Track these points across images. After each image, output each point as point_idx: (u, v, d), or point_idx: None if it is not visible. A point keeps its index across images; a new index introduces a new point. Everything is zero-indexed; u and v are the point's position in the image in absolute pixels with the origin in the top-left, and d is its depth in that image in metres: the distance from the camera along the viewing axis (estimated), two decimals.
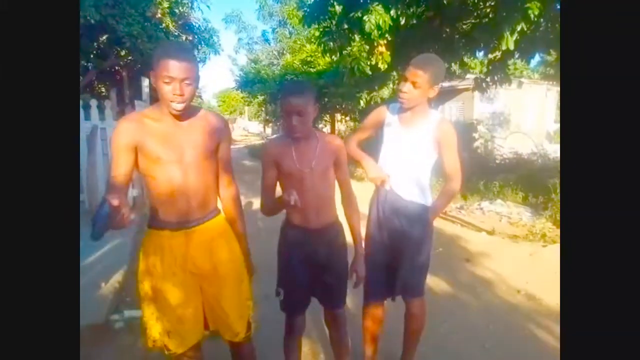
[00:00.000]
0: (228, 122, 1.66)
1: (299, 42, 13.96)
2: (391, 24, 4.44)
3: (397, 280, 1.92)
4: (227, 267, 1.54)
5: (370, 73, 6.01)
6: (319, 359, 2.32)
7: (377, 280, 1.95)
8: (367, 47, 5.59)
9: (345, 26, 5.37)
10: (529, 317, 2.82)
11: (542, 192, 5.85)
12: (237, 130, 33.21)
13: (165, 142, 1.37)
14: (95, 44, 9.18)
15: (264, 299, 2.77)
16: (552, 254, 3.93)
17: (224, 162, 1.56)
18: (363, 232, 1.91)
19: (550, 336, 2.57)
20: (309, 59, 11.55)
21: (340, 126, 16.19)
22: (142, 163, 1.39)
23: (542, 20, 4.73)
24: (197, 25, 11.11)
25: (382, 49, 5.38)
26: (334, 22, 5.55)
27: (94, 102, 5.11)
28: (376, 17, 4.36)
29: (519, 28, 4.43)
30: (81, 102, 5.02)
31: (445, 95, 12.42)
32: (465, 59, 6.72)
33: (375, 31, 4.45)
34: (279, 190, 1.77)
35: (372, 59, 5.54)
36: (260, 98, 16.78)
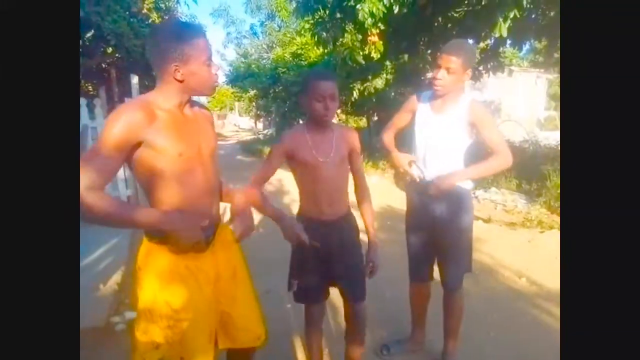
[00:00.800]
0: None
1: (288, 35, 13.84)
2: (384, 12, 4.40)
3: (439, 266, 2.01)
4: (243, 267, 1.48)
5: (363, 63, 5.98)
6: (324, 353, 2.30)
7: (418, 262, 2.07)
8: (360, 36, 5.55)
9: (339, 15, 5.32)
10: (532, 302, 2.84)
11: (536, 178, 5.90)
12: (228, 126, 32.98)
13: (183, 136, 1.19)
14: (80, 41, 8.99)
15: (264, 294, 2.76)
16: (550, 239, 3.96)
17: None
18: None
19: (555, 320, 2.58)
20: (299, 51, 11.45)
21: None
22: (152, 162, 1.15)
23: (533, 7, 4.73)
24: (184, 20, 10.94)
25: (375, 38, 5.34)
26: (327, 12, 5.50)
27: (83, 101, 5.00)
28: (369, 5, 4.32)
29: (511, 15, 4.42)
30: None
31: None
32: None
33: (369, 19, 4.41)
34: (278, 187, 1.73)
35: (365, 48, 5.51)
36: (251, 93, 16.63)
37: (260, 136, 18.59)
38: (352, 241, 1.78)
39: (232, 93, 24.63)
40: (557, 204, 4.85)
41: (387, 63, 7.62)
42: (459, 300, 2.02)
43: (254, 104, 21.60)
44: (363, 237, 1.83)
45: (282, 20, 16.55)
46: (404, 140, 2.07)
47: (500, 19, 4.44)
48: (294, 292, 1.80)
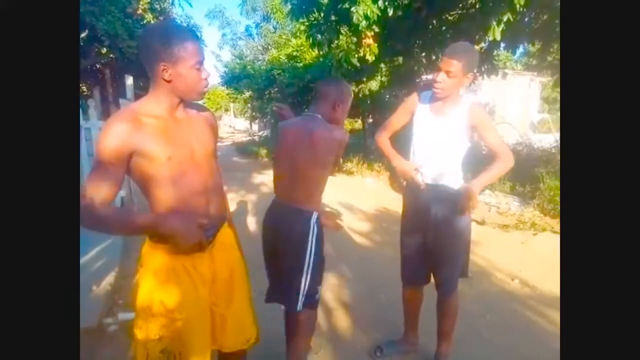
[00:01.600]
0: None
1: (284, 37, 13.84)
2: (379, 14, 4.42)
3: (432, 269, 2.00)
4: (241, 270, 1.48)
5: (358, 65, 5.99)
6: (319, 352, 2.30)
7: (413, 267, 2.06)
8: (355, 39, 5.56)
9: (333, 18, 5.33)
10: (525, 304, 2.86)
11: (529, 181, 5.94)
12: (223, 127, 32.89)
13: (172, 139, 1.19)
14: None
15: (259, 295, 2.76)
16: (544, 241, 3.99)
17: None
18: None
19: (548, 322, 2.60)
20: (294, 53, 11.45)
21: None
22: (144, 169, 1.17)
23: (526, 10, 4.77)
24: (179, 21, 10.92)
25: (370, 40, 5.36)
26: (321, 15, 5.51)
27: None
28: (364, 8, 4.33)
29: (505, 18, 4.45)
30: None
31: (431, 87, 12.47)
32: None
33: (363, 22, 4.42)
34: None
35: (360, 51, 5.52)
36: (247, 94, 16.61)
37: (256, 138, 18.55)
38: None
39: (227, 94, 24.58)
40: (550, 206, 4.88)
41: (382, 65, 7.64)
42: (454, 303, 2.02)
43: (249, 105, 21.57)
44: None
45: (278, 22, 16.54)
46: (401, 141, 2.06)
47: (494, 22, 4.47)
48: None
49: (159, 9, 9.53)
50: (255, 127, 24.72)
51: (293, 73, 10.72)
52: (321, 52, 7.62)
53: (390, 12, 4.59)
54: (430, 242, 1.94)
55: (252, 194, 6.76)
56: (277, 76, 11.11)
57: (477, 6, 4.98)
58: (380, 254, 3.83)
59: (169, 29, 1.20)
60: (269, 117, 15.35)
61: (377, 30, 5.08)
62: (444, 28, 6.03)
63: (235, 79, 13.91)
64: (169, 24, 1.48)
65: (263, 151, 12.85)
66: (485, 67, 6.70)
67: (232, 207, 5.81)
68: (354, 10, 4.42)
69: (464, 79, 1.75)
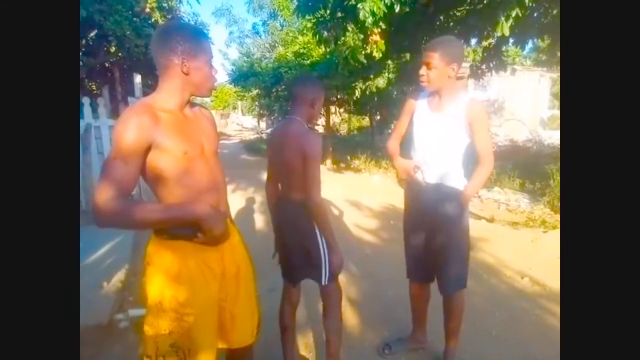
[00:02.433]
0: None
1: (291, 34, 13.80)
2: (385, 11, 4.39)
3: (434, 268, 2.00)
4: (247, 267, 1.50)
5: (365, 62, 5.97)
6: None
7: (417, 264, 2.07)
8: (362, 36, 5.53)
9: (339, 15, 5.31)
10: (534, 302, 2.84)
11: (539, 178, 5.89)
12: (231, 125, 33.01)
13: (186, 134, 1.22)
14: (83, 41, 9.02)
15: (269, 293, 2.77)
16: (553, 239, 3.95)
17: None
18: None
19: (557, 320, 2.58)
20: (302, 50, 11.42)
21: (335, 118, 16.12)
22: (159, 163, 1.17)
23: (535, 5, 4.71)
24: (186, 20, 10.96)
25: (377, 37, 5.32)
26: (327, 12, 5.49)
27: (86, 101, 5.02)
28: (370, 4, 4.31)
29: (513, 14, 4.39)
30: None
31: None
32: None
33: (370, 19, 4.39)
34: None
35: (366, 47, 5.49)
36: (254, 92, 16.63)
37: (264, 135, 18.59)
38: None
39: (235, 92, 24.62)
40: None
41: (389, 62, 7.60)
42: (459, 302, 2.01)
43: (256, 103, 21.59)
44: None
45: (285, 20, 16.52)
46: (405, 141, 2.07)
47: (502, 18, 4.41)
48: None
49: (166, 7, 9.57)
50: (262, 124, 24.77)
51: (300, 70, 10.71)
52: (328, 49, 7.60)
53: (397, 8, 4.55)
54: (431, 240, 1.94)
55: (260, 191, 6.79)
56: (284, 74, 11.10)
57: (485, 1, 4.92)
58: (387, 251, 3.83)
59: (188, 26, 1.30)
60: (276, 114, 15.36)
61: (383, 26, 5.04)
62: (451, 24, 5.98)
63: (242, 77, 13.90)
64: (184, 22, 1.51)
65: None
66: (494, 63, 6.63)
67: (241, 204, 5.84)
68: (361, 7, 4.40)
69: (446, 70, 1.77)
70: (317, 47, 9.40)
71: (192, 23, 10.92)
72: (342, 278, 3.19)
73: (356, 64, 6.22)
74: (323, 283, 1.85)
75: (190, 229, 1.21)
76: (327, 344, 1.94)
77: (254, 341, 1.55)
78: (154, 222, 1.15)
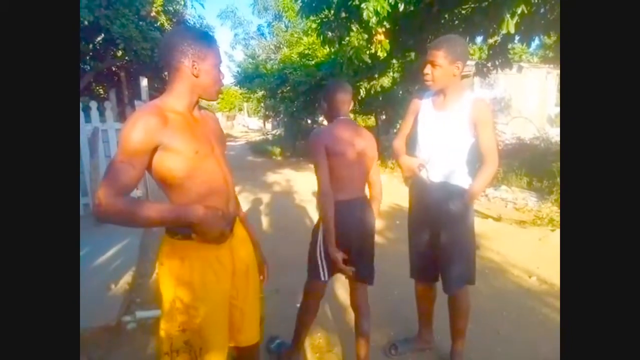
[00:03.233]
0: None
1: (295, 35, 13.85)
2: (389, 10, 4.38)
3: (438, 267, 1.99)
4: (254, 265, 1.52)
5: (369, 61, 5.96)
6: (334, 350, 2.31)
7: (421, 263, 2.07)
8: (366, 35, 5.53)
9: (343, 15, 5.30)
10: (542, 301, 2.81)
11: (547, 176, 5.82)
12: (237, 126, 33.15)
13: (196, 135, 1.25)
14: (90, 45, 9.11)
15: (274, 294, 2.78)
16: None
17: None
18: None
19: None
20: (306, 51, 11.45)
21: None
22: (170, 163, 1.19)
23: (541, 2, 4.66)
24: (192, 23, 11.03)
25: (381, 37, 5.31)
26: (331, 12, 5.49)
27: (93, 104, 5.07)
28: (374, 4, 4.30)
29: (519, 11, 4.36)
30: (81, 105, 4.98)
31: None
32: None
33: (374, 18, 4.39)
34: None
35: (371, 47, 5.48)
36: (260, 93, 16.70)
37: (269, 136, 18.64)
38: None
39: (240, 94, 24.72)
40: None
41: (394, 61, 7.58)
42: (464, 301, 2.00)
43: (262, 104, 21.64)
44: None
45: (289, 21, 16.56)
46: (411, 140, 2.07)
47: (508, 15, 4.38)
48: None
49: (172, 10, 9.63)
50: (268, 125, 24.83)
51: (305, 71, 10.73)
52: (332, 50, 7.61)
53: (401, 7, 4.54)
54: (435, 238, 1.93)
55: (266, 193, 6.81)
56: (289, 75, 11.12)
57: None
58: (393, 251, 3.81)
59: (198, 30, 1.32)
60: (281, 115, 15.39)
61: (388, 26, 5.03)
62: (456, 22, 5.94)
63: (248, 79, 13.97)
64: (195, 27, 1.57)
65: (277, 150, 12.91)
66: (500, 60, 6.58)
67: (247, 205, 5.86)
68: (364, 7, 4.40)
69: (450, 68, 1.77)
70: (321, 48, 9.41)
71: (198, 26, 10.99)
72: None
73: (361, 64, 6.21)
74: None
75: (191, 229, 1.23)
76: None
77: (260, 340, 1.57)
78: (150, 221, 1.16)
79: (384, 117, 11.84)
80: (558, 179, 5.35)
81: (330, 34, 5.56)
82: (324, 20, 5.69)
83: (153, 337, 2.42)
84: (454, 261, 1.92)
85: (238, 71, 16.15)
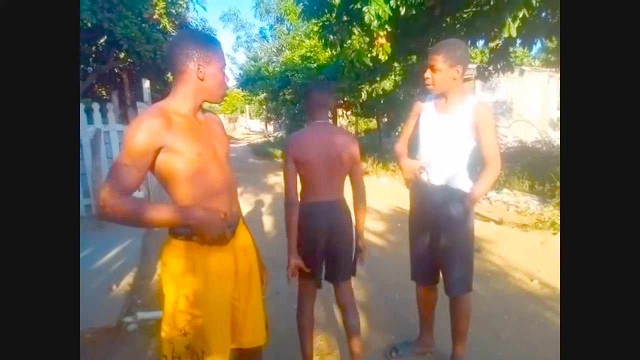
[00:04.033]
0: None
1: (297, 38, 13.91)
2: (391, 14, 4.40)
3: (438, 270, 1.99)
4: (256, 267, 1.52)
5: (371, 65, 5.98)
6: (334, 353, 2.31)
7: (421, 265, 2.06)
8: (368, 39, 5.55)
9: (345, 18, 5.33)
10: (544, 305, 2.80)
11: (549, 179, 5.81)
12: (239, 129, 33.21)
13: (199, 137, 1.26)
14: (93, 47, 9.16)
15: (274, 295, 2.77)
16: None
17: None
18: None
19: None
20: (308, 54, 11.49)
21: (342, 121, 16.13)
22: (173, 164, 1.20)
23: (543, 5, 4.68)
24: (194, 25, 11.08)
25: (383, 40, 5.34)
26: (333, 15, 5.51)
27: (96, 106, 5.10)
28: (375, 8, 4.32)
29: (520, 14, 4.37)
30: (83, 106, 5.00)
31: None
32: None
33: (375, 22, 4.40)
34: None
35: (372, 50, 5.50)
36: (261, 96, 16.76)
37: (271, 139, 18.67)
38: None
39: (242, 96, 24.84)
40: None
41: (396, 64, 7.61)
42: (465, 305, 2.00)
43: (264, 106, 21.73)
44: None
45: (291, 24, 16.61)
46: (413, 143, 2.07)
47: (509, 19, 4.39)
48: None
49: (174, 13, 9.68)
50: (270, 128, 24.88)
51: (307, 74, 10.77)
52: (334, 53, 7.63)
53: (402, 11, 4.56)
54: (435, 241, 1.93)
55: (267, 195, 6.81)
56: (291, 77, 11.16)
57: (492, 3, 4.90)
58: (395, 254, 3.81)
59: (203, 34, 1.35)
60: (283, 118, 15.42)
61: (389, 29, 5.06)
62: (457, 26, 5.96)
63: (250, 81, 14.04)
64: (200, 31, 1.59)
65: (278, 152, 12.91)
66: (501, 64, 6.59)
67: (248, 207, 5.86)
68: (366, 10, 4.42)
69: (450, 72, 1.77)
70: (323, 51, 9.45)
71: (200, 29, 11.03)
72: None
73: (362, 67, 6.25)
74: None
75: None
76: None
77: (265, 343, 1.57)
78: (151, 221, 1.17)
79: (385, 120, 11.85)
80: (559, 182, 5.34)
81: (332, 37, 5.59)
82: (326, 23, 5.71)
83: (154, 338, 2.42)
84: (454, 264, 1.91)
85: (240, 73, 16.22)
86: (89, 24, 7.14)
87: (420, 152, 1.97)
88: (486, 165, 1.81)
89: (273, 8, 18.69)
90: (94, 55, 9.58)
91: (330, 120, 1.92)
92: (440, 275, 2.02)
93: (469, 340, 2.09)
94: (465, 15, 5.82)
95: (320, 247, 1.83)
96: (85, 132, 4.90)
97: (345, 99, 10.17)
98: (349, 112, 13.30)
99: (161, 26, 8.83)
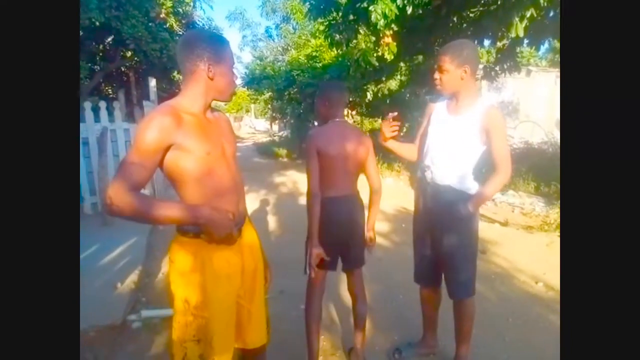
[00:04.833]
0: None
1: (303, 37, 13.89)
2: (397, 13, 4.38)
3: (442, 271, 1.99)
4: (261, 266, 1.53)
5: (376, 64, 5.96)
6: (337, 354, 2.30)
7: (424, 267, 2.07)
8: (374, 38, 5.54)
9: (351, 17, 5.32)
10: (549, 307, 2.78)
11: (555, 181, 5.77)
12: (244, 128, 33.28)
13: (209, 136, 1.27)
14: (100, 46, 9.22)
15: (278, 295, 2.78)
16: None
17: None
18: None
19: None
20: (314, 53, 11.46)
21: (347, 121, 16.08)
22: (182, 162, 1.21)
23: (550, 5, 4.63)
24: (201, 24, 11.11)
25: (389, 39, 5.32)
26: (339, 14, 5.50)
27: (103, 104, 5.13)
28: (382, 7, 4.30)
29: (528, 14, 4.34)
30: (90, 104, 5.03)
31: None
32: None
33: (382, 21, 4.39)
34: None
35: (378, 50, 5.49)
36: (267, 95, 16.75)
37: (276, 138, 18.67)
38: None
39: (248, 95, 24.85)
40: None
41: (401, 64, 7.58)
42: (469, 307, 1.98)
43: (269, 106, 21.72)
44: None
45: (297, 23, 16.59)
46: (423, 143, 2.06)
47: (517, 19, 4.36)
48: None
49: (181, 12, 9.71)
50: (275, 127, 24.88)
51: (312, 73, 10.74)
52: (340, 52, 7.62)
53: (409, 10, 4.54)
54: (439, 243, 1.92)
55: (272, 194, 6.82)
56: (296, 77, 11.15)
57: (499, 2, 4.86)
58: (399, 255, 3.80)
59: (214, 34, 1.36)
60: (288, 117, 15.42)
61: (395, 28, 5.03)
62: (464, 25, 5.93)
63: (255, 80, 14.02)
64: (209, 31, 1.63)
65: (283, 151, 12.92)
66: (508, 64, 6.54)
67: (254, 207, 5.87)
68: (372, 9, 4.40)
69: (457, 72, 1.77)
70: (329, 50, 9.43)
71: (207, 27, 11.06)
72: None
73: (368, 67, 6.22)
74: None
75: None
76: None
77: (267, 341, 1.57)
78: (159, 218, 1.17)
79: None
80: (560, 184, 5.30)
81: (338, 36, 5.58)
82: (332, 22, 5.70)
83: (158, 336, 2.43)
84: (457, 266, 1.90)
85: (246, 72, 16.24)
86: (97, 23, 7.19)
87: (427, 151, 1.96)
88: (496, 169, 1.78)
89: (279, 7, 18.68)
90: (101, 54, 9.64)
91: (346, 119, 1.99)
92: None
93: (473, 341, 2.08)
94: (472, 15, 5.78)
95: (338, 238, 1.93)
96: (92, 130, 4.93)
97: (350, 98, 10.15)
98: (354, 112, 13.28)
99: (168, 25, 8.86)
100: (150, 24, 8.36)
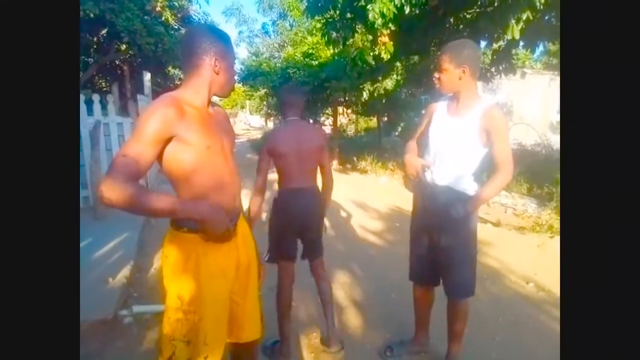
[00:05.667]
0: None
1: (300, 35, 13.83)
2: (395, 12, 4.38)
3: (439, 272, 1.99)
4: (255, 261, 1.53)
5: (373, 63, 5.96)
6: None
7: (420, 266, 2.07)
8: (371, 37, 5.53)
9: (349, 15, 5.31)
10: (539, 308, 2.81)
11: (547, 183, 5.82)
12: (239, 124, 33.16)
13: (209, 130, 1.26)
14: (94, 38, 9.13)
15: (270, 292, 2.78)
16: None
17: None
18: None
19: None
20: (310, 51, 11.43)
21: (342, 119, 16.10)
22: (182, 155, 1.20)
23: (546, 8, 4.67)
24: (196, 19, 11.03)
25: (386, 39, 5.32)
26: (337, 12, 5.48)
27: (96, 97, 5.07)
28: (380, 6, 4.30)
29: (524, 17, 4.36)
30: (83, 97, 4.98)
31: None
32: None
33: (379, 20, 4.38)
34: None
35: (375, 49, 5.48)
36: (262, 91, 16.69)
37: None
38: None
39: (243, 92, 24.74)
40: None
41: (398, 64, 7.58)
42: (464, 307, 1.99)
43: (264, 102, 21.66)
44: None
45: (294, 20, 16.54)
46: (423, 144, 2.06)
47: (513, 21, 4.38)
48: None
49: (177, 6, 9.64)
50: (270, 124, 24.82)
51: (308, 71, 10.71)
52: (336, 50, 7.61)
53: (407, 10, 4.54)
54: (436, 243, 1.92)
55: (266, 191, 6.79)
56: (292, 74, 11.11)
57: (496, 4, 4.88)
58: (392, 253, 3.82)
59: (218, 29, 1.37)
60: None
61: (393, 28, 5.03)
62: (461, 26, 5.95)
63: (251, 76, 13.94)
64: (214, 26, 1.68)
65: None
66: (503, 66, 6.59)
67: (246, 203, 5.84)
68: (370, 8, 4.39)
69: (456, 72, 1.77)
70: (325, 48, 9.41)
71: (203, 22, 10.99)
72: (346, 279, 3.21)
73: (364, 65, 6.21)
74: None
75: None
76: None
77: (261, 337, 1.57)
78: (155, 210, 1.14)
79: (386, 119, 11.84)
80: (559, 186, 5.34)
81: (334, 34, 5.56)
82: (329, 20, 5.68)
83: (149, 331, 2.42)
84: (454, 267, 1.91)
85: (241, 68, 16.16)
86: (91, 15, 7.12)
87: (428, 152, 1.96)
88: (497, 170, 1.77)
89: (276, 4, 18.60)
90: (95, 46, 9.55)
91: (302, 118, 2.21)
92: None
93: (464, 340, 2.09)
94: (468, 16, 5.80)
95: (293, 227, 2.12)
96: (85, 123, 4.88)
97: (346, 97, 10.14)
98: (349, 111, 13.29)
99: (163, 19, 8.80)
100: (145, 17, 8.30)
